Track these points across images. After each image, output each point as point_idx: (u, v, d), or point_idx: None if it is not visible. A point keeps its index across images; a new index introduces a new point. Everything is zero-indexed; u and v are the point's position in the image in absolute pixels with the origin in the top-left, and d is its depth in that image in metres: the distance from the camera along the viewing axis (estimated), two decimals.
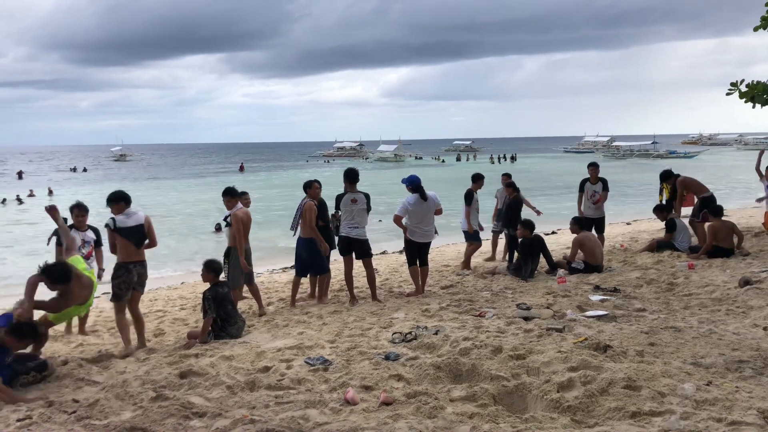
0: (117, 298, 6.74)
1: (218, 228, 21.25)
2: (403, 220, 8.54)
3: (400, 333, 6.21)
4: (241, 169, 70.74)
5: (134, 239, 6.60)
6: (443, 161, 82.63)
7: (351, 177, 8.33)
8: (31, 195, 37.99)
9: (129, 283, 6.68)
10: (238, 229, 7.97)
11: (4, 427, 4.38)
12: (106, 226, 6.63)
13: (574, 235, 9.92)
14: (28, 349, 5.69)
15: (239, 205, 8.26)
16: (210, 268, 6.96)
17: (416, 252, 8.69)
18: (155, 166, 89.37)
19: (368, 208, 8.40)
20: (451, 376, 5.00)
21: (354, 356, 5.62)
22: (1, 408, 4.76)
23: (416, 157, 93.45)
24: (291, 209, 9.53)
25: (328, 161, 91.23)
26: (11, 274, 14.60)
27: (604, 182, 11.47)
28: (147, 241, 6.75)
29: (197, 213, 28.25)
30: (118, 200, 6.65)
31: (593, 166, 11.67)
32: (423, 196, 8.48)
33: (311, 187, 8.59)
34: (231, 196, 8.23)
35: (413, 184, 8.55)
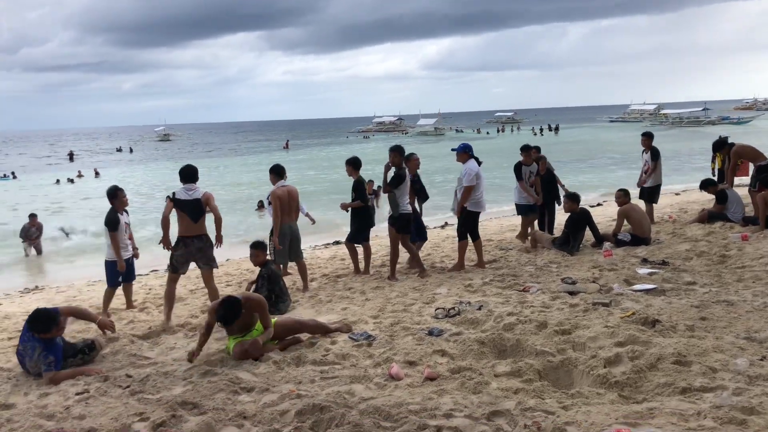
0: (172, 269, 7.01)
1: (261, 205, 21.56)
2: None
3: (443, 308, 6.23)
4: (286, 146, 71.02)
5: (190, 212, 6.76)
6: (487, 133, 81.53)
7: (403, 151, 8.42)
8: (79, 176, 39.16)
9: (185, 256, 6.88)
10: (275, 206, 8.09)
11: (64, 400, 4.60)
12: (167, 197, 6.86)
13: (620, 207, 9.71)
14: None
15: (282, 182, 8.32)
16: (259, 248, 7.23)
17: (475, 223, 8.54)
18: (199, 144, 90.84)
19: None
20: (496, 352, 5.00)
21: (397, 332, 5.66)
22: (62, 383, 4.98)
23: (457, 130, 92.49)
24: (340, 185, 9.60)
25: (367, 137, 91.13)
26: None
27: (653, 152, 11.18)
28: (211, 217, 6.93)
29: (242, 190, 28.68)
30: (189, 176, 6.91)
31: (644, 136, 11.42)
32: (478, 161, 8.41)
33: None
34: (275, 173, 8.35)
35: (470, 149, 8.43)
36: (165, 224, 6.87)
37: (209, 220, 7.01)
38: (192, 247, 6.86)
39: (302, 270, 8.39)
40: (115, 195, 7.66)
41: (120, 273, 7.72)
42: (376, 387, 4.41)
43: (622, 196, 9.79)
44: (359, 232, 8.84)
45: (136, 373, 5.04)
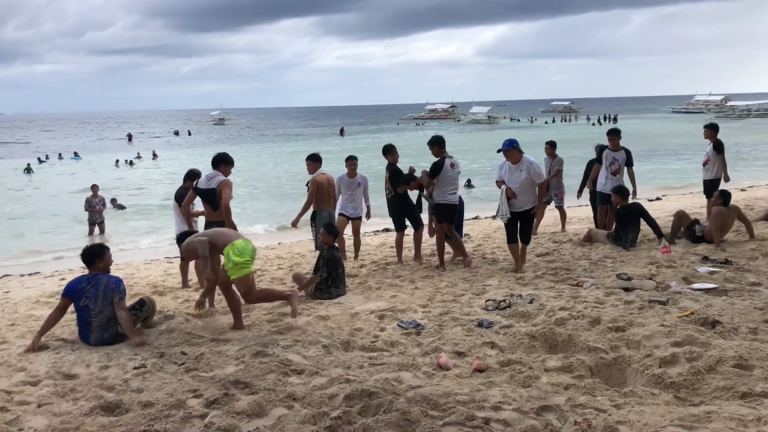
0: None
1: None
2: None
3: (494, 300, 6.19)
4: (342, 132, 71.46)
5: (209, 201, 6.93)
6: (546, 122, 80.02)
7: (442, 142, 8.29)
8: (138, 157, 40.47)
9: None
10: (311, 193, 8.47)
11: (123, 373, 4.80)
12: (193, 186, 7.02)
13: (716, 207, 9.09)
14: None
15: (321, 169, 8.66)
16: (329, 232, 7.38)
17: (515, 226, 7.89)
18: (253, 129, 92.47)
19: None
20: (546, 346, 4.95)
21: (446, 321, 5.67)
22: (120, 357, 5.20)
23: (511, 119, 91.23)
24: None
25: (419, 123, 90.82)
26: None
27: (716, 144, 10.74)
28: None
29: (296, 176, 29.08)
30: (219, 163, 7.01)
31: (707, 128, 11.00)
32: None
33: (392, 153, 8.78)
34: (312, 160, 8.73)
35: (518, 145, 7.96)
36: (185, 212, 7.02)
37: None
38: None
39: (341, 245, 8.94)
40: (192, 178, 8.13)
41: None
42: (424, 376, 4.44)
43: (719, 197, 9.18)
44: (400, 220, 8.93)
45: (191, 351, 5.21)
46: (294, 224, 9.03)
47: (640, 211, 9.07)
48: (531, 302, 6.11)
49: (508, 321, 5.60)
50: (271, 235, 10.55)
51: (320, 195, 8.59)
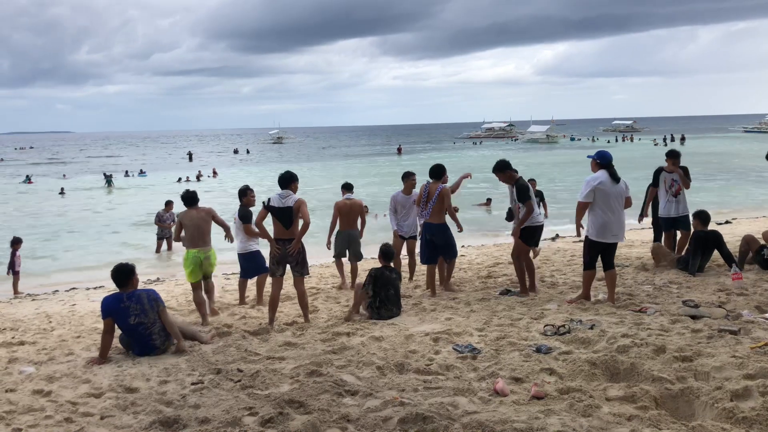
0: (270, 272, 7.29)
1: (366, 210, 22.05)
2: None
3: (553, 325, 6.06)
4: (399, 151, 71.86)
5: (282, 220, 7.03)
6: (608, 142, 78.23)
7: (509, 164, 8.02)
8: (199, 175, 41.73)
9: (277, 258, 7.08)
10: (333, 214, 9.43)
11: (181, 388, 4.92)
12: (262, 203, 7.13)
13: None
14: None
15: (349, 195, 9.50)
16: (381, 252, 7.56)
17: (601, 252, 7.21)
18: (310, 147, 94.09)
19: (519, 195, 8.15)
20: (608, 374, 4.80)
21: (503, 346, 5.58)
22: (179, 372, 5.33)
23: (571, 138, 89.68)
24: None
25: (476, 143, 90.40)
26: None
27: None
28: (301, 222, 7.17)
29: (359, 195, 29.34)
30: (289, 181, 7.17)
31: None
32: (614, 175, 7.05)
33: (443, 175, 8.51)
34: (342, 187, 9.73)
35: (604, 159, 7.13)
36: (260, 230, 7.10)
37: None
38: (284, 250, 7.06)
39: (353, 270, 9.50)
40: (245, 193, 8.63)
41: (253, 265, 8.69)
42: (480, 401, 4.37)
43: None
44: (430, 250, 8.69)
45: (247, 368, 5.29)
46: (327, 245, 9.55)
47: (717, 241, 8.66)
48: (591, 328, 5.95)
49: (568, 347, 5.45)
50: (327, 253, 10.65)
51: (340, 218, 9.45)
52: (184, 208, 7.93)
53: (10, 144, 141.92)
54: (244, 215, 8.58)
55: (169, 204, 16.49)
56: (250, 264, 8.74)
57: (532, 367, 4.94)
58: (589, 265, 7.25)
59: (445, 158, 58.11)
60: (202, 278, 7.87)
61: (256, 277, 8.85)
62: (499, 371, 4.91)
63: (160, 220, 16.36)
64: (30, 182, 41.71)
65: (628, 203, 7.19)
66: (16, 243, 12.85)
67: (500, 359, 5.22)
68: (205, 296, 7.82)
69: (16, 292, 12.18)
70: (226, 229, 8.11)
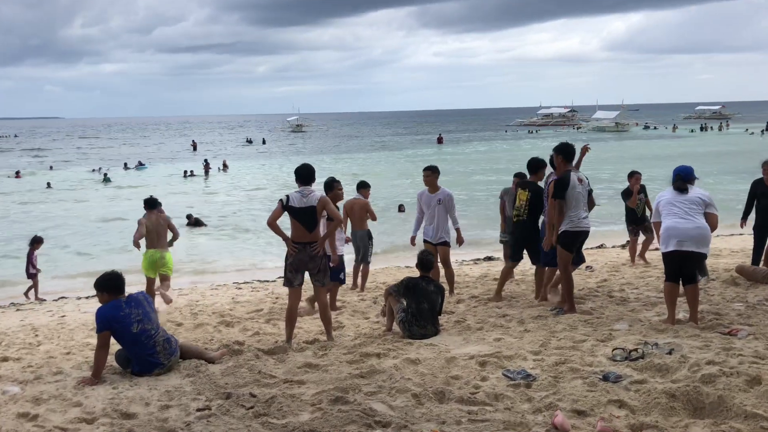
0: (286, 282, 7.28)
1: (401, 208, 22.26)
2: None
3: (623, 349, 5.99)
4: (440, 141, 71.66)
5: (304, 221, 7.05)
6: (692, 131, 76.96)
7: (569, 152, 8.01)
8: (207, 168, 42.30)
9: (296, 264, 7.12)
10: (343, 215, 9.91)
11: (185, 415, 4.99)
12: (279, 200, 7.14)
13: None
14: None
15: (356, 195, 10.45)
16: (417, 260, 7.67)
17: (679, 264, 7.14)
18: (335, 137, 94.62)
19: (590, 192, 8.03)
20: (690, 409, 4.72)
21: (563, 373, 5.53)
22: (182, 396, 5.41)
23: (645, 126, 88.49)
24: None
25: (532, 131, 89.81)
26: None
27: None
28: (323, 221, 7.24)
29: (377, 191, 29.45)
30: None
31: None
32: (680, 189, 7.15)
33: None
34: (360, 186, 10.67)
35: (684, 174, 7.24)
36: (274, 228, 7.09)
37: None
38: (304, 254, 7.08)
39: (364, 274, 10.58)
40: (331, 186, 8.86)
41: (341, 270, 9.04)
42: None
43: None
44: (514, 249, 8.94)
45: (261, 393, 5.34)
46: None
47: None
48: (670, 353, 5.86)
49: (641, 375, 5.38)
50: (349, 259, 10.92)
51: (349, 218, 10.31)
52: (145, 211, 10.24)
53: None
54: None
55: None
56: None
57: (597, 399, 4.89)
58: (669, 277, 7.22)
59: (496, 150, 57.87)
60: (158, 276, 10.22)
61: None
62: (559, 402, 4.86)
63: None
64: (18, 176, 42.87)
65: (711, 220, 7.04)
66: (34, 243, 13.38)
67: (559, 388, 5.18)
68: (157, 292, 10.16)
69: (35, 297, 12.80)
70: (175, 234, 10.44)
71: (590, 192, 8.00)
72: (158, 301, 9.71)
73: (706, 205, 7.03)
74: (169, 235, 10.30)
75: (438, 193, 9.31)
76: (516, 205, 8.68)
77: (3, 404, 5.42)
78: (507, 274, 9.12)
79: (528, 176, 8.95)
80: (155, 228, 10.10)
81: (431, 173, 9.41)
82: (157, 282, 10.25)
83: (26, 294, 12.94)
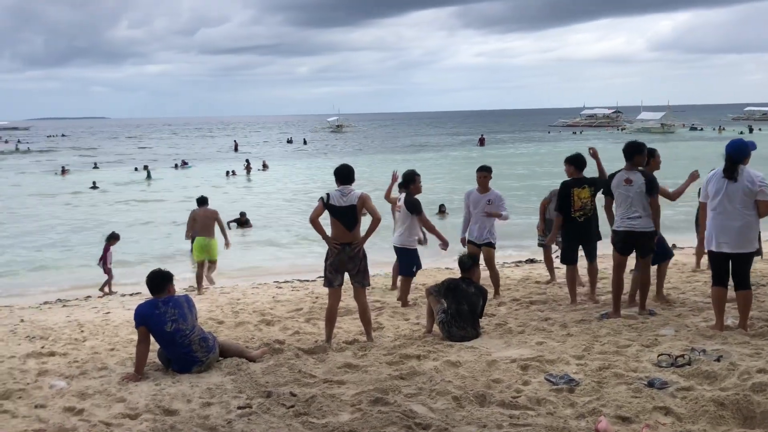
0: (326, 282, 7.31)
1: (442, 209, 22.17)
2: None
3: (669, 355, 5.88)
4: (482, 142, 71.15)
5: (344, 220, 7.07)
6: (741, 133, 75.12)
7: (634, 151, 7.71)
8: (248, 167, 42.78)
9: (336, 264, 7.14)
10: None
11: (226, 413, 5.05)
12: (320, 198, 7.18)
13: None
14: None
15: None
16: (461, 263, 7.70)
17: (723, 265, 6.86)
18: (375, 138, 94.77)
19: (651, 190, 7.55)
20: (740, 418, 4.60)
21: (607, 378, 5.45)
22: (223, 394, 5.47)
23: (691, 127, 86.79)
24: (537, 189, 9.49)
25: (576, 132, 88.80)
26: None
27: None
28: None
29: (430, 193, 29.30)
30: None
31: None
32: (728, 170, 6.61)
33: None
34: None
35: (735, 153, 6.64)
36: (315, 226, 7.11)
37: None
38: (344, 254, 7.09)
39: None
40: (413, 179, 9.00)
41: (415, 262, 9.15)
42: None
43: None
44: (566, 251, 8.70)
45: (301, 393, 5.37)
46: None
47: None
48: (718, 360, 5.72)
49: (688, 382, 5.27)
50: (389, 259, 10.92)
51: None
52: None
53: (41, 131, 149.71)
54: (413, 204, 8.84)
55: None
56: (401, 260, 9.23)
57: (642, 405, 4.81)
58: (714, 280, 6.96)
59: (539, 151, 57.36)
60: (206, 260, 12.63)
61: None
62: (602, 408, 4.79)
63: (194, 218, 16.91)
64: (64, 174, 43.89)
65: (761, 208, 6.60)
66: (111, 239, 13.80)
67: (603, 393, 5.10)
68: (204, 275, 12.58)
69: (109, 291, 13.24)
70: (222, 228, 12.91)
71: (648, 191, 7.59)
72: (205, 283, 12.49)
73: (755, 193, 6.56)
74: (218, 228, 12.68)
75: (488, 193, 9.28)
76: (577, 205, 8.37)
77: (50, 398, 5.55)
78: (574, 279, 8.89)
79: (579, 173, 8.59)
80: (203, 220, 12.62)
81: (488, 174, 9.38)
82: (206, 266, 12.65)
83: (102, 288, 13.30)
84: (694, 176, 8.27)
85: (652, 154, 8.20)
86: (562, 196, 8.49)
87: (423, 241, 9.59)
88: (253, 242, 19.68)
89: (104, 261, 13.49)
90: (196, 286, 12.40)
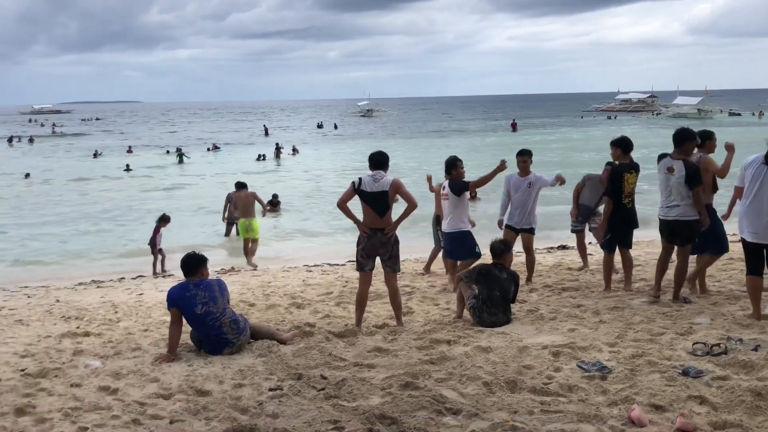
0: (357, 266, 7.36)
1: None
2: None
3: (704, 343, 5.80)
4: (514, 127, 70.42)
5: (375, 206, 7.06)
6: None
7: (684, 138, 7.60)
8: (278, 152, 42.94)
9: (367, 250, 7.16)
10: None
11: (257, 394, 5.10)
12: (352, 182, 7.19)
13: None
14: None
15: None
16: (493, 249, 7.59)
17: (757, 254, 6.74)
18: (406, 122, 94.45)
19: (692, 182, 7.39)
20: None
21: (640, 366, 5.40)
22: (255, 376, 5.53)
23: (730, 113, 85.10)
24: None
25: (610, 117, 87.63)
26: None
27: None
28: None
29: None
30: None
31: None
32: None
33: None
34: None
35: None
36: (344, 210, 7.13)
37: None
38: (375, 239, 7.09)
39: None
40: (455, 165, 8.89)
41: (461, 246, 8.90)
42: (611, 431, 4.25)
43: None
44: (614, 237, 8.44)
45: (332, 375, 5.41)
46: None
47: None
48: (755, 349, 5.64)
49: (724, 371, 5.20)
50: (419, 244, 10.95)
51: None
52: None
53: (76, 115, 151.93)
54: (459, 188, 8.75)
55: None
56: (457, 245, 8.98)
57: (677, 394, 4.75)
58: (749, 269, 6.82)
59: (572, 136, 56.73)
60: (250, 238, 13.83)
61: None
62: (635, 396, 4.75)
63: (230, 201, 17.07)
64: (95, 157, 44.50)
65: None
66: (162, 220, 14.01)
67: (636, 381, 5.06)
68: (248, 256, 13.79)
69: (162, 270, 13.42)
70: (263, 205, 14.92)
71: (688, 182, 7.40)
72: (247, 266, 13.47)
73: None
74: (258, 207, 14.21)
75: (529, 176, 9.25)
76: (626, 190, 8.17)
77: (85, 377, 5.66)
78: (611, 264, 8.68)
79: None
80: (243, 203, 13.93)
81: (528, 158, 9.35)
82: (250, 245, 13.89)
83: (154, 269, 13.43)
84: (730, 147, 7.99)
85: (709, 136, 7.97)
86: (614, 180, 8.19)
87: (473, 224, 9.59)
88: (283, 226, 19.76)
89: (153, 242, 13.64)
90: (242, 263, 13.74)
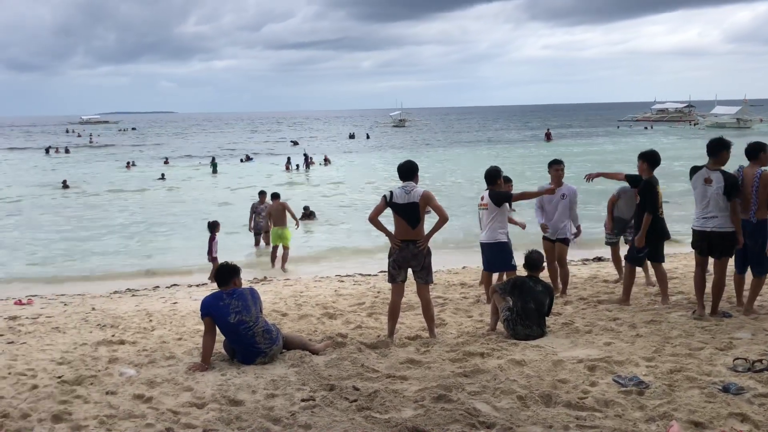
0: (389, 277, 7.36)
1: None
2: None
3: (745, 359, 5.68)
4: (548, 137, 69.90)
5: (407, 218, 7.06)
6: None
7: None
8: (309, 162, 43.21)
9: (399, 262, 7.15)
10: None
11: (290, 405, 5.12)
12: (383, 196, 7.19)
13: None
14: None
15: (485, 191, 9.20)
16: (525, 259, 7.55)
17: None
18: (438, 132, 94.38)
19: (731, 193, 7.28)
20: None
21: (679, 381, 5.31)
22: (287, 386, 5.55)
23: None
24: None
25: (647, 127, 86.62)
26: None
27: None
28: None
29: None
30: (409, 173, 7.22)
31: None
32: None
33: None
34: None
35: None
36: (375, 224, 7.11)
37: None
38: (407, 251, 7.09)
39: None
40: (498, 175, 8.87)
41: (499, 257, 8.83)
42: None
43: None
44: (654, 249, 8.33)
45: (364, 387, 5.41)
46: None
47: None
48: None
49: (765, 388, 5.09)
50: (454, 256, 10.83)
51: None
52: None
53: (112, 125, 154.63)
54: (500, 198, 8.66)
55: (262, 195, 17.33)
56: (496, 256, 8.89)
57: (717, 411, 4.66)
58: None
59: (607, 148, 56.13)
60: (280, 244, 15.10)
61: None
62: (674, 412, 4.67)
63: (255, 211, 17.21)
64: (129, 167, 45.17)
65: None
66: (212, 228, 13.96)
67: (675, 397, 4.97)
68: (278, 263, 15.12)
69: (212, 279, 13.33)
70: (294, 217, 15.79)
71: (726, 193, 7.29)
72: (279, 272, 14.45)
73: None
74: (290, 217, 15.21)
75: (563, 188, 9.20)
76: (659, 202, 8.10)
77: (120, 385, 5.73)
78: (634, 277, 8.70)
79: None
80: (276, 212, 15.25)
81: (561, 166, 9.31)
82: (281, 250, 15.13)
83: (210, 277, 13.19)
84: None
85: (764, 149, 7.64)
86: (649, 194, 8.08)
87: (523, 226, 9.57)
88: (315, 236, 19.85)
89: (210, 251, 13.72)
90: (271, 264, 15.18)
